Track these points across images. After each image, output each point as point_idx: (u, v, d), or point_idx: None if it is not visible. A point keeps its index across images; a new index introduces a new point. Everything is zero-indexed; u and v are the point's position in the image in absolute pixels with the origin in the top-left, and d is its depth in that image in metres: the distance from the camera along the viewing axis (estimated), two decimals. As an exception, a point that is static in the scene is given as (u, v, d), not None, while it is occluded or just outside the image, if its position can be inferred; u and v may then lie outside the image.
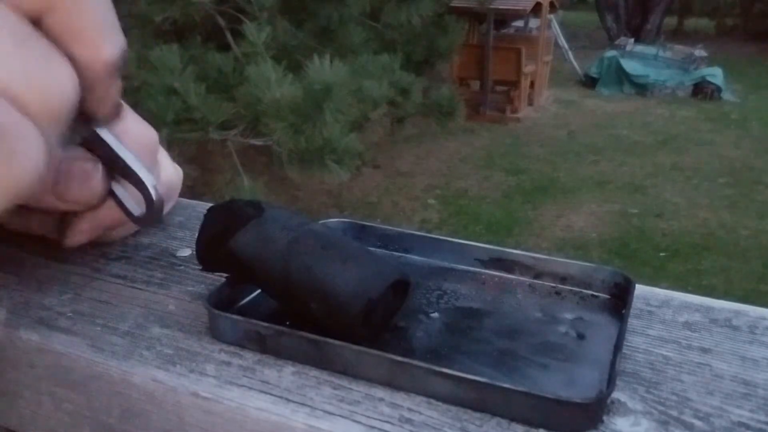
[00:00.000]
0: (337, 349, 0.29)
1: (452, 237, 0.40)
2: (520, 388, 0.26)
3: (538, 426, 0.26)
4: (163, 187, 0.36)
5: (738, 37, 13.73)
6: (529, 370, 0.30)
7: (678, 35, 13.03)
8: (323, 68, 2.41)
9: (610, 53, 8.92)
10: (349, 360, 0.28)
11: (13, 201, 0.24)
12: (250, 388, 0.28)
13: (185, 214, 0.46)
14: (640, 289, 0.35)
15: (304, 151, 2.53)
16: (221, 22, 2.91)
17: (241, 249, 0.31)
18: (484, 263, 0.38)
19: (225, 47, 2.94)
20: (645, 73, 8.51)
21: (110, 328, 0.32)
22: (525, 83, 7.31)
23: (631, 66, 8.57)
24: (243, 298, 0.34)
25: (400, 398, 0.27)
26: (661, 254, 4.19)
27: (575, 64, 9.25)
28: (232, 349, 0.31)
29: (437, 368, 0.27)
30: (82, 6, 0.27)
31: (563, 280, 0.37)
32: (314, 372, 0.29)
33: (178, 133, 2.44)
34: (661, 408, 0.27)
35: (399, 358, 0.28)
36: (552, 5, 8.01)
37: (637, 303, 0.35)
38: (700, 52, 8.96)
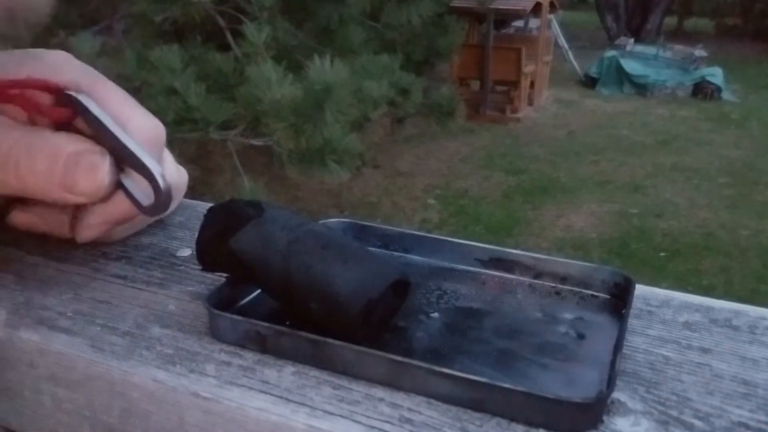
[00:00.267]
0: (337, 349, 0.29)
1: (452, 237, 0.40)
2: (520, 388, 0.26)
3: (538, 426, 0.26)
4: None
5: (738, 37, 13.73)
6: (529, 370, 0.30)
7: (678, 35, 13.03)
8: (323, 68, 2.41)
9: (610, 53, 8.92)
10: (349, 360, 0.28)
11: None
12: (250, 388, 0.28)
13: (185, 214, 0.46)
14: (640, 289, 0.35)
15: (304, 151, 2.53)
16: (221, 22, 2.91)
17: (241, 249, 0.31)
18: (484, 263, 0.38)
19: (225, 47, 2.93)
20: (645, 73, 8.51)
21: (110, 328, 0.32)
22: (525, 83, 7.31)
23: (631, 66, 8.57)
24: (243, 298, 0.34)
25: (400, 398, 0.27)
26: (661, 254, 4.19)
27: (575, 64, 9.25)
28: (232, 349, 0.31)
29: (437, 368, 0.27)
30: None
31: (563, 280, 0.37)
32: (314, 372, 0.29)
33: (178, 133, 2.44)
34: (661, 408, 0.27)
35: (399, 358, 0.28)
36: (552, 5, 8.01)
37: (637, 303, 0.35)
38: (700, 52, 8.95)
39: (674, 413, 0.26)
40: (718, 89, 8.24)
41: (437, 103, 3.95)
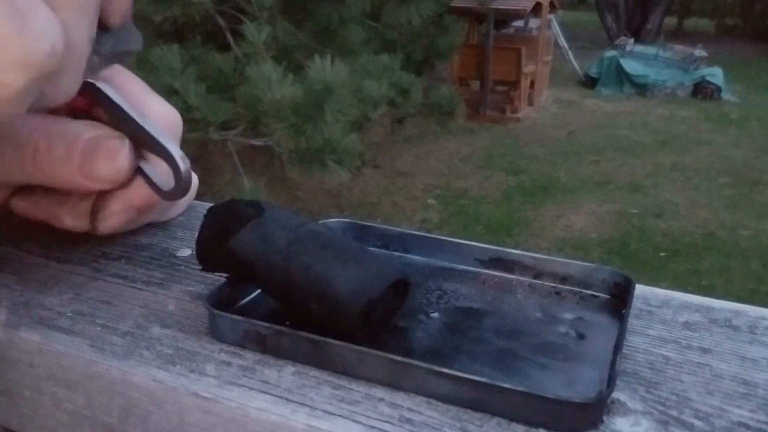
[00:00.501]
0: (337, 349, 0.29)
1: (452, 237, 0.40)
2: (520, 388, 0.26)
3: (538, 426, 0.26)
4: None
5: (738, 37, 13.73)
6: (529, 370, 0.30)
7: (678, 35, 13.03)
8: (324, 68, 2.41)
9: (610, 53, 8.92)
10: (349, 360, 0.28)
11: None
12: (250, 388, 0.28)
13: (185, 214, 0.46)
14: (640, 289, 0.35)
15: (304, 151, 2.53)
16: (221, 22, 2.91)
17: (241, 249, 0.31)
18: (484, 263, 0.38)
19: (225, 47, 2.94)
20: (645, 73, 8.51)
21: (110, 328, 0.32)
22: (525, 83, 7.31)
23: (631, 66, 8.57)
24: (243, 298, 0.34)
25: (400, 398, 0.27)
26: (661, 254, 4.19)
27: (575, 64, 9.25)
28: (232, 349, 0.31)
29: (437, 368, 0.27)
30: None
31: (563, 280, 0.37)
32: (314, 372, 0.29)
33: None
34: (661, 408, 0.27)
35: (399, 358, 0.28)
36: (552, 5, 8.01)
37: (637, 303, 0.35)
38: (700, 52, 8.96)
39: (674, 413, 0.26)
40: (718, 89, 8.24)
41: (437, 103, 3.95)
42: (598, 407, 0.26)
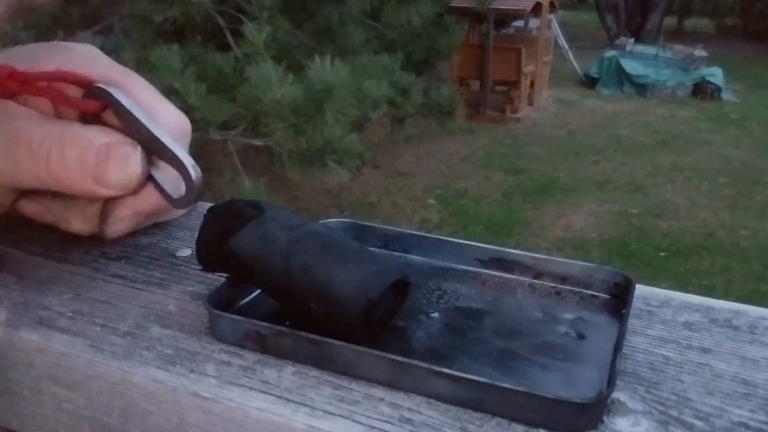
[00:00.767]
0: (337, 349, 0.29)
1: (452, 237, 0.40)
2: (520, 388, 0.26)
3: (538, 426, 0.26)
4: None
5: (738, 37, 13.73)
6: (529, 370, 0.30)
7: (678, 35, 13.03)
8: (324, 68, 2.41)
9: (610, 53, 8.92)
10: (349, 360, 0.28)
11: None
12: (250, 388, 0.28)
13: (185, 213, 0.46)
14: (640, 289, 0.35)
15: (304, 151, 2.53)
16: (221, 22, 2.91)
17: (241, 249, 0.31)
18: (484, 263, 0.38)
19: (225, 47, 2.93)
20: (645, 73, 8.51)
21: (110, 328, 0.32)
22: (525, 83, 7.31)
23: (631, 66, 8.57)
24: (243, 298, 0.34)
25: (400, 398, 0.27)
26: (661, 254, 4.19)
27: (575, 64, 9.25)
28: (232, 349, 0.31)
29: (437, 368, 0.27)
30: None
31: (563, 280, 0.37)
32: (314, 372, 0.29)
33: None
34: (661, 408, 0.27)
35: (399, 358, 0.28)
36: (552, 5, 8.00)
37: (637, 303, 0.35)
38: (700, 52, 8.95)
39: (674, 413, 0.26)
40: (718, 89, 8.23)
41: (437, 103, 3.95)
42: (598, 407, 0.26)
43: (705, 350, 0.31)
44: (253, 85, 2.44)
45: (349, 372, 0.29)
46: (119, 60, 0.37)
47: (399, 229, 0.40)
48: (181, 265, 0.39)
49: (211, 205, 0.34)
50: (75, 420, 0.32)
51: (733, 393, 0.28)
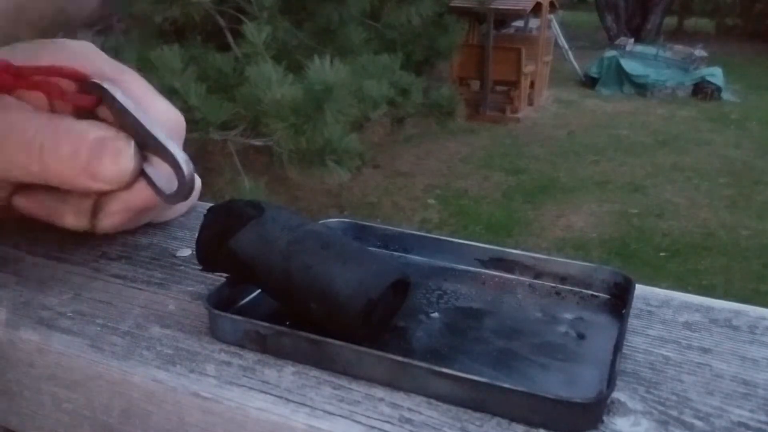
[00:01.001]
0: (337, 349, 0.29)
1: (452, 237, 0.40)
2: (520, 388, 0.26)
3: (538, 426, 0.26)
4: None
5: (738, 37, 13.73)
6: (529, 370, 0.30)
7: (678, 35, 13.03)
8: (323, 68, 2.41)
9: (610, 53, 8.92)
10: (349, 360, 0.28)
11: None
12: (251, 388, 0.28)
13: (185, 214, 0.46)
14: (640, 289, 0.35)
15: (304, 151, 2.53)
16: (221, 22, 2.91)
17: (241, 249, 0.31)
18: (484, 263, 0.38)
19: (225, 47, 2.94)
20: (645, 73, 8.51)
21: (110, 328, 0.32)
22: (525, 83, 7.31)
23: (631, 66, 8.57)
24: (243, 298, 0.34)
25: (400, 398, 0.27)
26: (661, 254, 4.19)
27: (575, 64, 9.25)
28: (232, 349, 0.31)
29: (437, 368, 0.27)
30: None
31: (563, 280, 0.37)
32: (314, 372, 0.29)
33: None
34: (661, 408, 0.27)
35: (399, 358, 0.28)
36: (552, 5, 8.01)
37: (637, 303, 0.35)
38: (700, 52, 8.96)
39: (674, 413, 0.26)
40: (718, 89, 8.23)
41: (437, 103, 3.95)
42: (598, 407, 0.26)
43: (705, 350, 0.31)
44: (253, 85, 2.44)
45: (349, 372, 0.29)
46: (119, 60, 0.37)
47: (399, 229, 0.40)
48: (181, 265, 0.39)
49: (211, 205, 0.34)
50: (75, 420, 0.32)
51: (733, 393, 0.28)
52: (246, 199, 0.33)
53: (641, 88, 8.46)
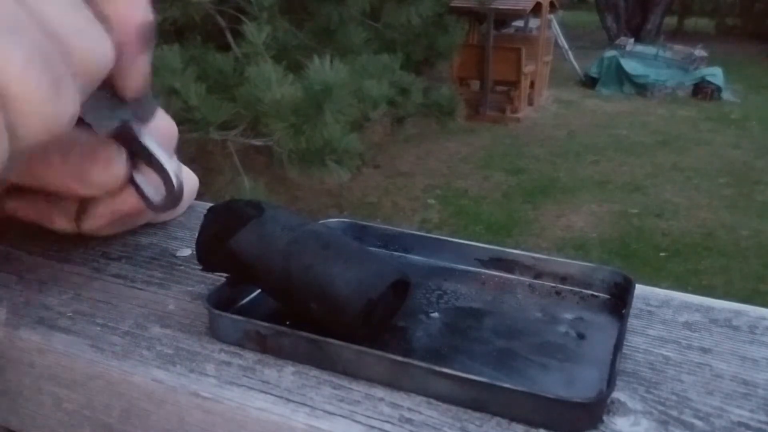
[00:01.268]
0: (337, 349, 0.29)
1: (452, 237, 0.40)
2: (520, 388, 0.26)
3: (538, 426, 0.26)
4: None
5: (738, 37, 13.73)
6: (529, 370, 0.30)
7: (678, 35, 13.03)
8: (323, 68, 2.41)
9: (610, 53, 8.92)
10: (349, 360, 0.28)
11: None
12: (251, 388, 0.28)
13: (185, 213, 0.46)
14: (640, 289, 0.35)
15: (304, 151, 2.53)
16: (221, 22, 2.91)
17: (241, 249, 0.31)
18: (484, 263, 0.38)
19: (225, 47, 2.93)
20: (645, 73, 8.51)
21: (110, 328, 0.32)
22: (525, 83, 7.31)
23: (631, 66, 8.57)
24: (243, 298, 0.34)
25: (400, 398, 0.27)
26: (661, 254, 4.19)
27: (575, 64, 9.25)
28: (232, 349, 0.31)
29: (437, 368, 0.27)
30: None
31: (563, 280, 0.37)
32: (314, 372, 0.29)
33: (178, 133, 2.43)
34: (661, 408, 0.27)
35: (399, 358, 0.28)
36: (552, 5, 8.01)
37: (637, 303, 0.35)
38: (700, 52, 8.96)
39: (674, 413, 0.26)
40: (718, 89, 8.24)
41: (437, 103, 3.95)
42: (598, 407, 0.26)
43: (705, 350, 0.31)
44: (253, 85, 2.44)
45: (349, 372, 0.29)
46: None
47: (399, 229, 0.40)
48: (181, 265, 0.39)
49: (211, 205, 0.34)
50: (75, 420, 0.32)
51: (733, 393, 0.28)
52: (246, 199, 0.33)
53: (641, 88, 8.46)
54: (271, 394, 0.28)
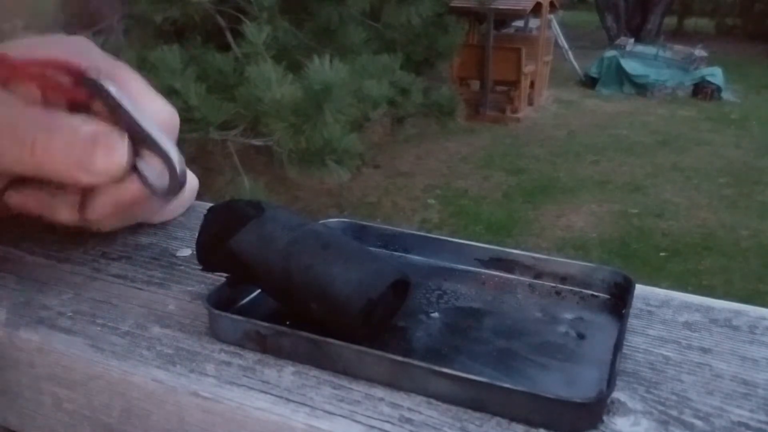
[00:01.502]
0: (337, 349, 0.29)
1: (452, 237, 0.40)
2: (520, 388, 0.26)
3: (538, 426, 0.26)
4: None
5: (738, 37, 13.73)
6: (529, 370, 0.30)
7: (678, 35, 13.03)
8: (323, 68, 2.41)
9: (610, 53, 8.92)
10: (349, 360, 0.28)
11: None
12: (251, 388, 0.28)
13: (185, 214, 0.46)
14: (640, 289, 0.35)
15: (304, 151, 2.52)
16: (221, 22, 2.91)
17: (242, 249, 0.31)
18: (484, 263, 0.38)
19: (225, 47, 2.93)
20: (645, 73, 8.51)
21: (110, 328, 0.32)
22: (525, 83, 7.31)
23: (631, 66, 8.57)
24: (243, 298, 0.34)
25: (400, 398, 0.27)
26: (661, 254, 4.19)
27: (575, 64, 9.25)
28: (232, 349, 0.31)
29: (437, 368, 0.27)
30: None
31: (563, 280, 0.37)
32: (314, 372, 0.29)
33: (178, 133, 2.43)
34: (661, 408, 0.27)
35: (399, 358, 0.28)
36: (552, 5, 8.00)
37: (637, 303, 0.35)
38: (700, 52, 8.96)
39: (674, 413, 0.26)
40: (718, 89, 8.24)
41: (437, 103, 3.95)
42: (598, 407, 0.26)
43: (705, 350, 0.31)
44: (253, 85, 2.44)
45: (349, 372, 0.29)
46: (119, 60, 0.37)
47: (399, 229, 0.40)
48: (181, 265, 0.39)
49: (211, 205, 0.34)
50: (75, 420, 0.32)
51: (733, 393, 0.28)
52: (246, 199, 0.33)
53: (641, 88, 8.46)
54: (271, 394, 0.28)
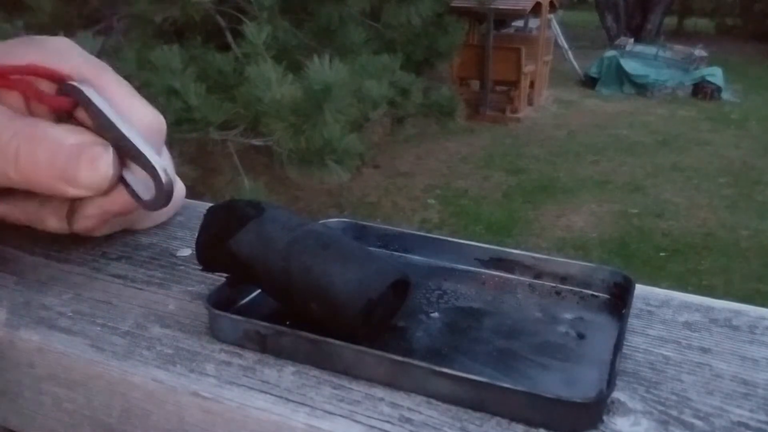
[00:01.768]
0: (337, 349, 0.29)
1: (452, 237, 0.40)
2: (520, 388, 0.26)
3: (538, 426, 0.26)
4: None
5: (738, 37, 13.73)
6: (529, 370, 0.30)
7: (678, 35, 13.03)
8: (323, 68, 2.41)
9: (610, 53, 8.92)
10: (349, 360, 0.28)
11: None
12: (251, 388, 0.28)
13: (185, 214, 0.46)
14: (640, 289, 0.35)
15: (304, 151, 2.52)
16: (221, 22, 2.91)
17: (241, 249, 0.31)
18: (484, 263, 0.38)
19: (225, 47, 2.93)
20: (645, 73, 8.51)
21: (110, 328, 0.32)
22: (525, 83, 7.31)
23: (631, 66, 8.57)
24: (243, 298, 0.34)
25: (400, 398, 0.27)
26: (661, 254, 4.19)
27: (575, 64, 9.25)
28: (232, 348, 0.31)
29: (437, 368, 0.27)
30: None
31: (563, 280, 0.37)
32: (314, 372, 0.29)
33: (178, 133, 2.43)
34: (661, 408, 0.27)
35: (399, 358, 0.28)
36: (552, 5, 8.01)
37: (637, 303, 0.35)
38: (700, 52, 8.96)
39: (674, 413, 0.26)
40: (718, 89, 8.24)
41: (437, 103, 3.95)
42: (598, 407, 0.26)
43: (705, 350, 0.31)
44: (253, 85, 2.44)
45: (349, 372, 0.29)
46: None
47: (399, 229, 0.40)
48: (181, 265, 0.39)
49: (211, 205, 0.34)
50: (75, 420, 0.32)
51: (733, 393, 0.28)
52: (246, 199, 0.33)
53: (641, 88, 8.46)
54: (271, 394, 0.28)
